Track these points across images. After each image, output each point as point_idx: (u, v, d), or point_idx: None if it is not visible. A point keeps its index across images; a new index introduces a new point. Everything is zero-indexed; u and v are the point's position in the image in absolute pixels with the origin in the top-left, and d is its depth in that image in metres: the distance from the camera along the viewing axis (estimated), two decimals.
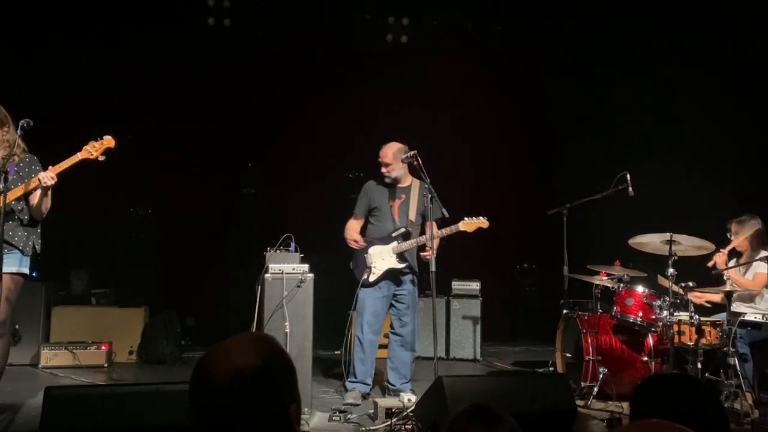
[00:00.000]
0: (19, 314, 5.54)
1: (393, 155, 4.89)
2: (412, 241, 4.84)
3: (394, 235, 4.88)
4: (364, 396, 4.85)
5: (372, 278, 4.84)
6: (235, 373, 1.28)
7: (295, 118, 7.43)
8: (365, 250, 4.90)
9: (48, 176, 3.73)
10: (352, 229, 5.04)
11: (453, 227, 4.75)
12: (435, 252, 4.54)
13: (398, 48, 7.62)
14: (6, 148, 3.82)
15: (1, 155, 3.80)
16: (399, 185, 5.01)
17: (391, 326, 5.02)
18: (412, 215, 4.92)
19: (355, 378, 4.89)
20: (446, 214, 4.65)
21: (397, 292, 4.94)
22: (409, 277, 4.95)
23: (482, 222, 4.78)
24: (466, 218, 4.79)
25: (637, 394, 1.72)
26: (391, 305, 4.98)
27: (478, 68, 7.54)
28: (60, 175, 3.79)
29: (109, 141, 3.90)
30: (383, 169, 4.94)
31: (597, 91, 7.72)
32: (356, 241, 4.93)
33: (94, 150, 3.85)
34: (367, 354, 4.88)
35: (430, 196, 4.50)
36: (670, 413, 1.58)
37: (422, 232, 4.93)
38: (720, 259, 4.95)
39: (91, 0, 6.83)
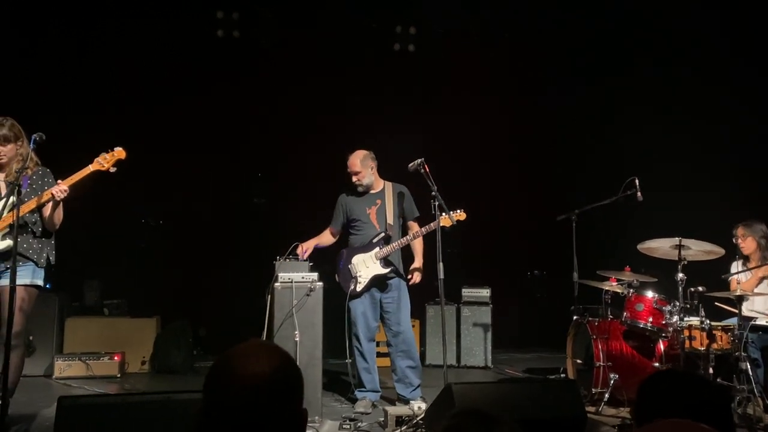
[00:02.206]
0: (33, 326, 5.58)
1: (361, 163, 4.95)
2: (394, 244, 4.84)
3: (374, 241, 4.88)
4: (374, 404, 4.86)
5: (359, 287, 4.83)
6: (260, 376, 1.30)
7: (303, 127, 7.47)
8: (349, 260, 4.91)
9: (60, 189, 3.80)
10: (317, 237, 5.11)
11: (432, 224, 4.67)
12: (421, 268, 4.95)
13: (405, 57, 7.66)
14: (19, 161, 3.89)
15: (15, 169, 3.87)
16: (372, 191, 5.04)
17: (386, 336, 5.04)
18: (390, 219, 4.93)
19: (364, 387, 4.90)
20: (417, 213, 4.97)
21: (383, 299, 4.92)
22: (395, 281, 4.93)
23: (459, 215, 4.71)
24: (443, 214, 4.70)
25: (642, 390, 1.71)
26: (380, 315, 4.97)
27: (485, 75, 7.55)
28: (71, 187, 3.85)
29: (120, 153, 3.96)
30: (354, 179, 4.98)
31: (605, 96, 7.71)
32: (305, 251, 4.90)
33: (105, 162, 3.92)
34: (370, 362, 4.92)
35: (437, 203, 4.51)
36: (674, 408, 1.59)
37: (404, 233, 4.98)
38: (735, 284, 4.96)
39: (99, 13, 6.90)
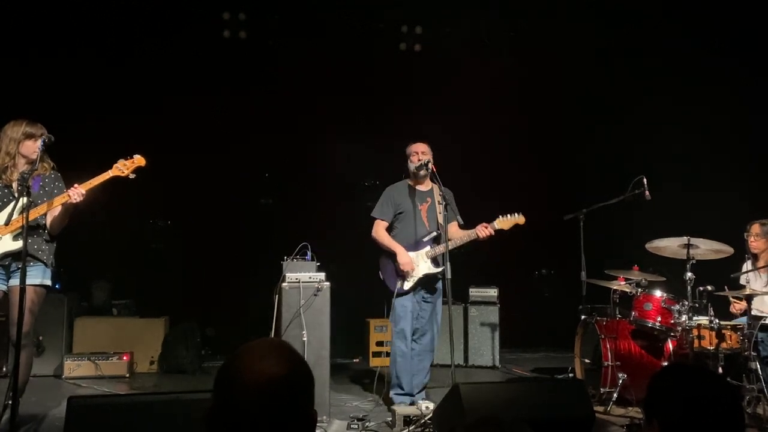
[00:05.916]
0: (42, 326, 5.66)
1: (429, 148, 4.85)
2: (446, 244, 4.74)
3: (425, 239, 4.78)
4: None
5: (407, 286, 4.72)
6: (271, 376, 1.29)
7: (310, 127, 7.48)
8: (396, 258, 4.74)
9: (78, 193, 3.79)
10: (393, 241, 4.82)
11: (489, 228, 4.62)
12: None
13: (412, 56, 7.65)
14: (29, 162, 3.90)
15: (24, 169, 3.88)
16: (421, 189, 4.93)
17: (413, 335, 5.00)
18: (441, 219, 4.78)
19: (402, 390, 4.74)
20: (461, 221, 4.62)
21: (425, 299, 4.82)
22: (440, 283, 4.82)
23: (518, 218, 4.63)
24: (500, 216, 4.63)
25: (652, 384, 1.70)
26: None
27: (492, 73, 7.53)
28: (87, 192, 3.86)
29: (140, 160, 3.99)
30: (424, 158, 4.74)
31: (614, 96, 7.68)
32: (412, 268, 4.68)
33: (125, 168, 3.94)
34: (410, 363, 4.76)
35: (445, 203, 4.50)
36: (684, 402, 1.58)
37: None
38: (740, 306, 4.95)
39: (105, 18, 6.89)
